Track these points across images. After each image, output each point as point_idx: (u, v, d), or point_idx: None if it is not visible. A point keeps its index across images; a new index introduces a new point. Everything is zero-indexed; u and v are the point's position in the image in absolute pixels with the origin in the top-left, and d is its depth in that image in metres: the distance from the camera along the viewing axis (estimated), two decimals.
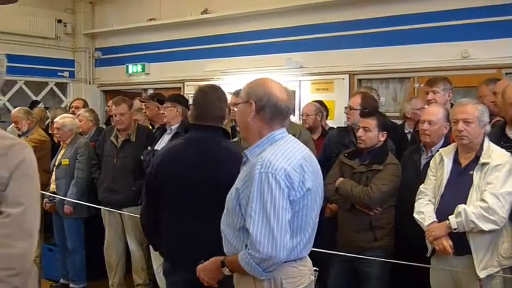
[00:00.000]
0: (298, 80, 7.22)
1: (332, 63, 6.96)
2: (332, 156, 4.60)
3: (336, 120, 6.68)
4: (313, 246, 2.58)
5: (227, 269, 2.47)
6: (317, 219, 2.54)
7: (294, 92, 7.04)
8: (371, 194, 3.91)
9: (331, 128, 5.96)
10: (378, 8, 6.55)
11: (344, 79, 6.90)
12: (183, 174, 3.03)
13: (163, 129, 5.47)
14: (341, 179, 4.11)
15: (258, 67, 7.39)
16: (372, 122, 4.08)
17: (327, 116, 6.24)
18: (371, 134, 4.08)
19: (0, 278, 1.81)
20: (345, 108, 4.76)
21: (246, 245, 2.33)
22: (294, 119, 6.21)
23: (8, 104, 8.85)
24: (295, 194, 2.34)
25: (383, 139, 4.12)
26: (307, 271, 2.53)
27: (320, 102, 6.16)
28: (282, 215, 2.28)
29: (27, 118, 6.41)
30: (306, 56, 7.17)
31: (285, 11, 7.28)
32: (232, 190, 2.47)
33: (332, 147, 4.77)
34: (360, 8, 6.70)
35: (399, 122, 5.63)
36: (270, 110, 2.45)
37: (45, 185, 5.61)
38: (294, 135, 4.14)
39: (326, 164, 4.40)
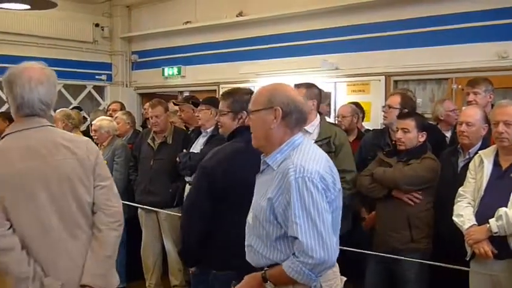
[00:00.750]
0: (334, 81, 7.19)
1: (368, 64, 6.90)
2: (367, 159, 4.57)
3: (372, 122, 6.62)
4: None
5: (270, 283, 2.40)
6: None
7: (329, 93, 7.01)
8: (403, 172, 3.92)
9: (367, 130, 5.92)
10: (415, 8, 6.47)
11: (380, 80, 6.84)
12: (251, 178, 3.04)
13: (198, 132, 5.53)
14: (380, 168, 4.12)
15: (293, 69, 7.38)
16: (411, 123, 4.04)
17: (363, 117, 6.20)
18: (410, 135, 4.04)
19: (114, 227, 2.67)
20: (383, 107, 4.72)
21: (294, 253, 2.28)
22: (331, 121, 6.19)
23: None
24: (330, 195, 2.35)
25: (422, 139, 4.08)
26: (338, 272, 2.53)
27: (356, 104, 6.13)
28: (326, 217, 2.28)
29: (63, 121, 6.44)
30: (342, 57, 7.13)
31: (321, 13, 7.25)
32: (261, 201, 2.41)
33: (367, 149, 4.73)
34: (397, 9, 6.63)
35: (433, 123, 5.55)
36: (296, 115, 2.43)
37: None
38: (329, 136, 4.22)
39: (361, 166, 4.39)
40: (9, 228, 2.42)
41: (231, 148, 3.20)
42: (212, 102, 5.36)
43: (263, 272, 2.42)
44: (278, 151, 2.42)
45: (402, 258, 3.89)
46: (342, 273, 2.60)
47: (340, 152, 4.22)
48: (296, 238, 2.25)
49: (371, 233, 4.26)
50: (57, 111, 6.72)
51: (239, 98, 3.31)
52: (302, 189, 2.26)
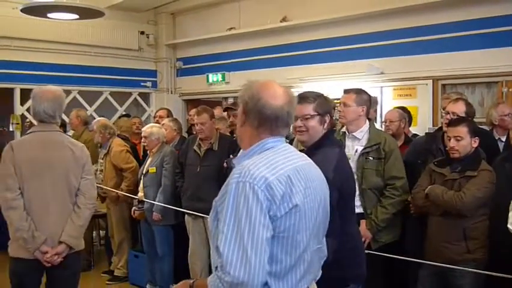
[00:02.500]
0: (380, 86, 7.11)
1: (415, 68, 6.80)
2: (417, 163, 4.49)
3: (419, 126, 6.52)
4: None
5: None
6: (314, 247, 2.21)
7: (375, 98, 6.94)
8: (463, 198, 3.77)
9: (414, 135, 5.83)
10: (463, 11, 6.36)
11: (427, 84, 6.73)
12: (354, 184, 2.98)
13: None
14: (432, 185, 4.00)
15: (338, 74, 7.35)
16: (463, 130, 3.94)
17: (410, 122, 6.11)
18: (464, 142, 3.94)
19: (89, 207, 3.81)
20: (445, 113, 4.54)
21: (216, 267, 2.01)
22: (377, 126, 6.12)
23: (94, 114, 9.21)
24: (277, 208, 2.00)
25: (475, 145, 3.98)
26: None
27: (403, 109, 6.05)
28: (258, 232, 1.94)
29: (100, 131, 6.58)
30: (388, 61, 7.05)
31: (366, 17, 7.20)
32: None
33: (417, 154, 4.65)
34: (443, 12, 6.52)
35: (486, 128, 5.42)
36: (256, 115, 2.17)
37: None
38: (379, 143, 4.17)
39: (408, 170, 4.32)
40: (19, 194, 3.55)
41: (339, 154, 3.01)
42: None
43: (192, 282, 2.22)
44: (245, 153, 2.20)
45: (459, 268, 3.80)
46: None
47: (390, 158, 4.18)
48: (219, 249, 1.97)
49: (420, 243, 4.17)
50: (94, 121, 6.89)
51: (322, 100, 3.10)
52: (240, 196, 1.97)
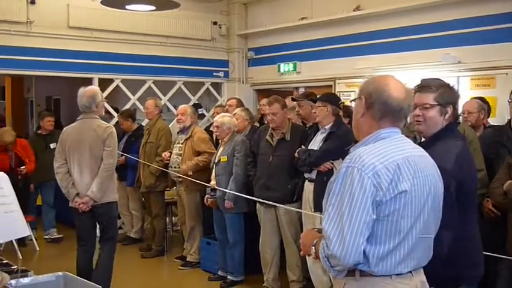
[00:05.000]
0: (456, 76, 6.89)
1: (493, 57, 6.55)
2: (490, 158, 4.36)
3: (498, 117, 6.29)
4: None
5: (313, 248, 2.33)
6: (419, 235, 2.26)
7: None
8: None
9: (491, 126, 5.66)
10: None
11: (507, 74, 6.48)
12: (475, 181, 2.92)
13: (315, 128, 5.54)
14: (510, 181, 3.87)
15: (412, 63, 7.19)
16: None
17: (489, 113, 5.92)
18: None
19: (106, 170, 5.12)
20: None
21: None
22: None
23: (168, 104, 9.43)
24: (383, 194, 2.15)
25: None
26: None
27: (481, 99, 5.87)
28: (357, 215, 2.12)
29: (191, 116, 6.82)
30: (465, 50, 6.83)
31: (441, 5, 6.99)
32: None
33: (488, 147, 4.51)
34: None
35: None
36: (379, 107, 2.31)
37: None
38: None
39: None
40: (62, 164, 5.20)
41: (461, 147, 2.88)
42: (329, 99, 5.37)
43: (317, 230, 2.41)
44: (362, 142, 2.34)
45: None
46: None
47: None
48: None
49: (499, 237, 4.05)
50: (186, 105, 7.14)
51: (445, 90, 2.94)
52: (347, 179, 2.17)
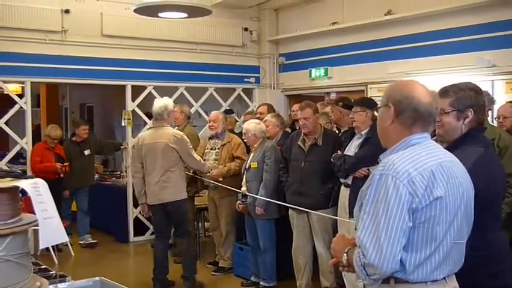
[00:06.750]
0: (491, 79, 6.81)
1: None
2: None
3: None
4: None
5: (345, 255, 2.30)
6: (454, 240, 2.25)
7: (491, 97, 6.65)
8: None
9: None
10: None
11: None
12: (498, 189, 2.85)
13: (350, 133, 5.51)
14: None
15: (445, 67, 7.13)
16: None
17: None
18: None
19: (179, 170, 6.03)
20: None
21: None
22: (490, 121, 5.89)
23: (200, 110, 9.50)
24: (419, 201, 2.13)
25: None
26: None
27: None
28: (394, 223, 2.10)
29: (223, 122, 6.86)
30: (499, 53, 6.74)
31: (475, 7, 6.91)
32: None
33: None
34: None
35: None
36: (410, 113, 2.29)
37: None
38: (493, 139, 4.02)
39: None
40: (139, 168, 5.94)
41: (481, 154, 2.79)
42: (367, 103, 5.33)
43: (351, 239, 2.37)
44: (392, 149, 2.33)
45: None
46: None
47: (505, 154, 4.03)
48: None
49: None
50: (218, 111, 7.16)
51: (464, 94, 2.83)
52: (381, 186, 2.15)
